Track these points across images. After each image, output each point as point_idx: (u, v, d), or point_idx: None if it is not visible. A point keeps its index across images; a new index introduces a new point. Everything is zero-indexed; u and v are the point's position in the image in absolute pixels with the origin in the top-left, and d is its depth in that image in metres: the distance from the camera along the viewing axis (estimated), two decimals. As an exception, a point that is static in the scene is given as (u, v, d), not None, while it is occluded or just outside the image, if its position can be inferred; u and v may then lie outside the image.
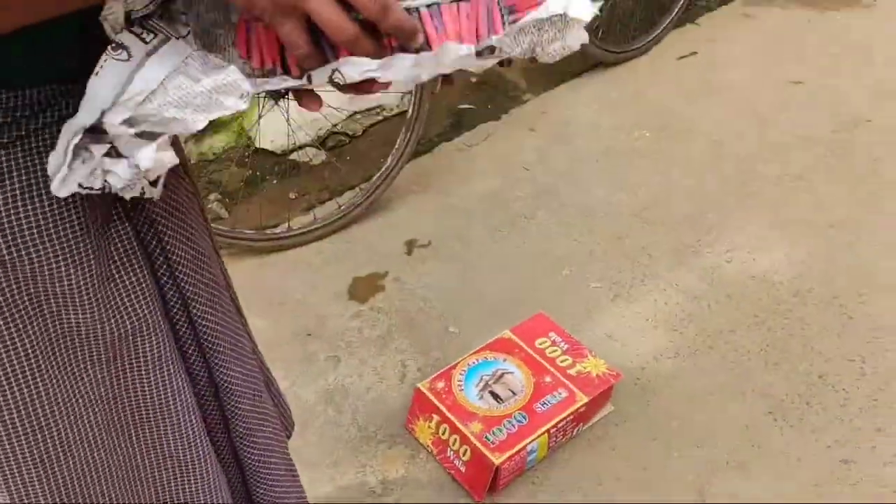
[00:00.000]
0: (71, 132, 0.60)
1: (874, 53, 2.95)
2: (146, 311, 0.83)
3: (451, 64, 0.69)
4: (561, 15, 0.70)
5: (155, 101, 0.62)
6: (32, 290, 0.74)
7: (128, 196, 0.66)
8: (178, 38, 0.65)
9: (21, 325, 0.75)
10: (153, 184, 0.69)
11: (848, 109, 2.68)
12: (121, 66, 0.63)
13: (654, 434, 1.78)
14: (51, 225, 0.72)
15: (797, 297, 2.08)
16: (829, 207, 2.33)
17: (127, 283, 0.81)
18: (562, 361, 1.80)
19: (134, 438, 0.89)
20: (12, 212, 0.70)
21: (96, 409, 0.85)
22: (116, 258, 0.80)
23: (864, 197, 2.37)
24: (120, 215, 0.79)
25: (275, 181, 2.44)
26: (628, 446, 1.76)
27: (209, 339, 0.92)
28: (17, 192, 0.69)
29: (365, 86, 0.68)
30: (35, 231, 0.72)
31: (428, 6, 0.68)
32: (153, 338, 0.85)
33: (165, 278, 0.86)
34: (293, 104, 2.31)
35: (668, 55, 2.96)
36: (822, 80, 2.82)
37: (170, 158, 0.65)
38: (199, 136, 2.47)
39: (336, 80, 0.67)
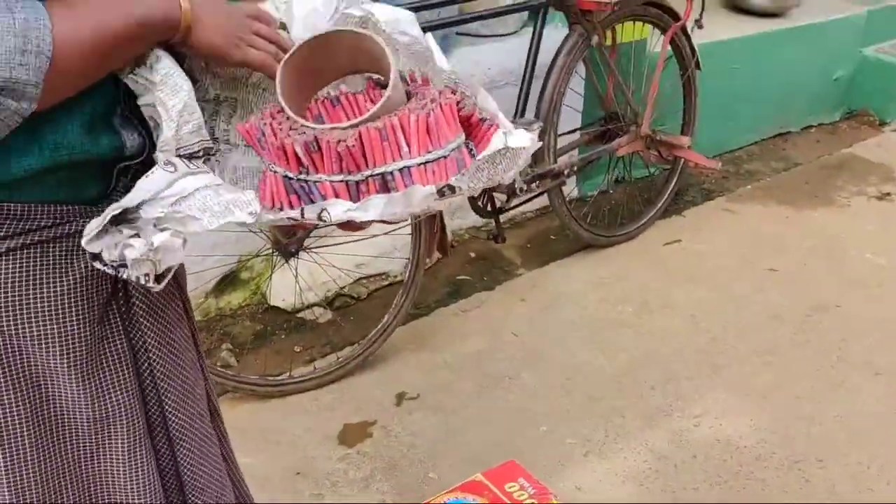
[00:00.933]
0: (112, 208, 0.83)
1: (847, 248, 3.19)
2: (125, 399, 1.01)
3: (419, 203, 0.86)
4: (506, 148, 0.88)
5: (184, 203, 0.84)
6: (28, 360, 0.92)
7: (133, 274, 0.85)
8: (210, 173, 0.90)
9: (13, 388, 0.92)
10: (158, 279, 0.90)
11: (818, 295, 2.89)
12: (166, 175, 0.86)
13: (614, 579, 1.87)
14: (56, 309, 0.93)
15: (759, 461, 2.20)
16: (795, 381, 2.49)
17: (112, 372, 0.99)
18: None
19: None
20: (28, 292, 0.90)
21: (71, 489, 1.00)
22: (106, 350, 0.99)
23: (828, 373, 2.53)
24: (114, 315, 0.99)
25: (283, 335, 2.66)
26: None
27: (179, 432, 1.08)
28: (35, 279, 0.91)
29: (348, 225, 0.89)
30: (42, 312, 0.92)
31: (400, 170, 0.88)
32: (128, 424, 1.01)
33: (145, 375, 1.04)
34: (302, 264, 2.56)
35: (654, 241, 3.22)
36: (797, 268, 3.05)
37: (178, 249, 0.85)
38: (220, 292, 2.72)
39: (323, 218, 0.86)
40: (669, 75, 3.15)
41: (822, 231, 3.31)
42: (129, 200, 0.84)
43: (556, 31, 2.90)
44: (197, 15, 0.92)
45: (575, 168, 3.01)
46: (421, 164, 0.88)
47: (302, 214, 0.88)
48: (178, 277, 1.08)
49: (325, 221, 0.87)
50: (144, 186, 0.85)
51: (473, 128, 0.98)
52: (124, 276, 0.84)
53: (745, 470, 2.17)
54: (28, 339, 0.92)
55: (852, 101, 4.28)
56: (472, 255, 3.08)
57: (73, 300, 0.94)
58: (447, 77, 0.99)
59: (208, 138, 0.94)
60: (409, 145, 0.88)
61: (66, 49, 0.81)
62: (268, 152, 0.93)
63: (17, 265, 0.90)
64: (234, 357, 2.54)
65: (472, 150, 0.96)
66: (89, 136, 0.89)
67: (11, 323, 0.90)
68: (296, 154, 0.89)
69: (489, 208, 2.81)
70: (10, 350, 0.91)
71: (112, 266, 0.84)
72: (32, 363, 0.93)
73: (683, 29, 3.08)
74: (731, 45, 3.67)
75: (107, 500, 1.03)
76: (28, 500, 0.96)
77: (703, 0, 2.97)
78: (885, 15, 4.25)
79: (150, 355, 1.03)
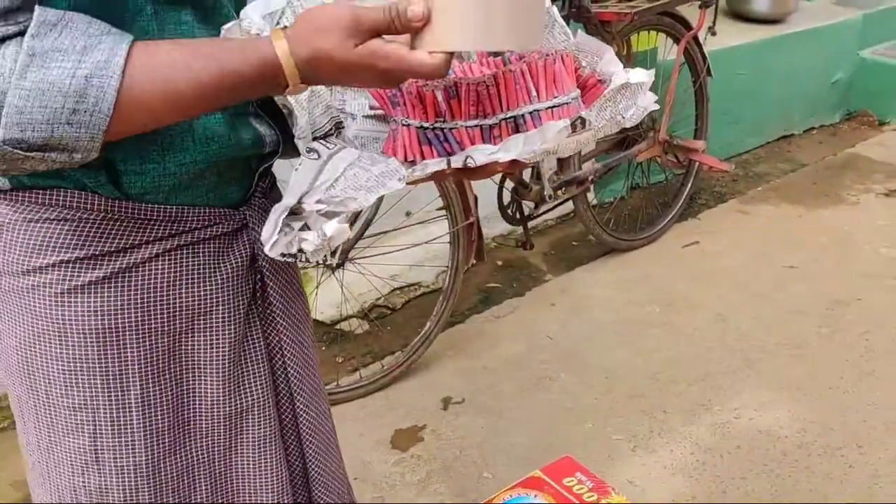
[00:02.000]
0: (279, 211, 0.88)
1: (860, 243, 3.29)
2: (261, 395, 1.06)
3: (553, 138, 0.90)
4: (626, 84, 0.95)
5: (338, 186, 0.89)
6: (175, 357, 0.99)
7: (314, 259, 0.90)
8: (348, 147, 0.94)
9: (159, 384, 0.98)
10: (332, 254, 0.96)
11: (838, 289, 2.97)
12: (313, 164, 0.90)
13: (676, 567, 1.93)
14: (206, 307, 0.99)
15: (801, 449, 2.27)
16: (826, 373, 2.57)
17: (251, 369, 1.05)
18: (588, 497, 1.98)
19: None
20: (180, 290, 0.97)
21: (204, 483, 1.05)
22: (247, 347, 1.05)
23: (857, 363, 2.60)
24: (254, 315, 1.05)
25: (324, 347, 2.71)
26: (652, 577, 1.91)
27: (308, 429, 1.12)
28: (187, 279, 0.97)
29: (490, 167, 0.92)
30: (193, 309, 0.98)
31: (530, 113, 0.94)
32: (263, 420, 1.07)
33: (279, 373, 1.09)
34: (347, 275, 2.59)
35: (673, 243, 3.30)
36: (814, 264, 3.13)
37: (346, 231, 0.88)
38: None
39: (468, 164, 0.90)
40: (682, 82, 3.24)
41: (835, 228, 3.40)
42: (291, 198, 0.89)
43: (573, 43, 2.99)
44: (306, 63, 0.82)
45: (598, 174, 3.08)
46: (548, 108, 0.94)
47: (448, 164, 0.91)
48: (299, 279, 1.14)
49: (470, 166, 0.91)
50: (299, 179, 0.89)
51: (588, 89, 1.02)
52: (302, 259, 0.89)
53: (790, 458, 2.24)
54: (178, 334, 0.98)
55: (851, 102, 4.40)
56: (500, 262, 3.15)
57: (220, 299, 0.99)
58: (569, 45, 1.05)
59: (336, 114, 0.98)
60: (537, 90, 0.94)
61: (135, 102, 0.78)
62: (401, 108, 0.96)
63: (171, 266, 0.96)
64: (278, 369, 2.59)
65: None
66: (233, 130, 0.95)
67: (166, 320, 0.97)
68: (435, 101, 0.94)
69: (518, 216, 2.88)
70: (160, 348, 0.97)
71: (290, 256, 0.88)
72: (179, 360, 0.99)
73: (695, 37, 3.18)
74: (736, 52, 3.78)
75: (238, 495, 1.08)
76: (165, 495, 1.01)
77: (716, 8, 3.07)
78: (881, 18, 4.38)
79: (285, 353, 1.08)
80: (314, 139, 0.94)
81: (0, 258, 0.93)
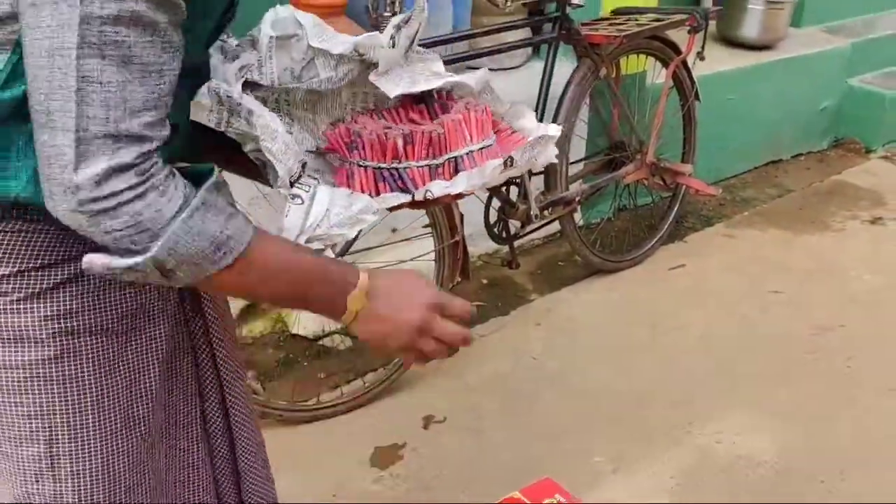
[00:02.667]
0: None
1: (845, 269, 3.30)
2: (188, 385, 1.14)
3: (490, 175, 1.11)
4: (544, 136, 1.18)
5: (323, 225, 1.00)
6: (126, 354, 1.03)
7: None
8: (320, 183, 1.05)
9: (113, 384, 1.02)
10: None
11: (822, 315, 2.98)
12: (299, 209, 1.02)
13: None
14: (149, 305, 1.05)
15: (782, 475, 2.27)
16: (809, 398, 2.56)
17: (181, 361, 1.13)
18: (567, 519, 1.97)
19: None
20: (129, 292, 1.02)
21: (146, 480, 1.09)
22: (177, 341, 1.11)
23: (839, 390, 2.61)
24: (181, 311, 1.12)
25: (306, 363, 2.70)
26: None
27: (239, 430, 1.20)
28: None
29: (443, 198, 1.10)
30: (140, 308, 1.03)
31: (466, 154, 1.14)
32: (190, 409, 1.15)
33: (208, 374, 1.16)
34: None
35: (659, 266, 3.31)
36: (799, 290, 3.14)
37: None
38: (241, 321, 2.75)
39: (427, 196, 1.08)
40: (670, 106, 3.25)
41: (820, 254, 3.41)
42: (289, 238, 1.02)
43: (559, 65, 2.98)
44: (365, 324, 0.99)
45: (585, 195, 3.09)
46: (479, 148, 1.15)
47: (412, 198, 1.10)
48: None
49: (429, 198, 1.10)
50: (291, 222, 1.01)
51: (500, 135, 1.23)
52: None
53: (770, 484, 2.23)
54: (125, 333, 1.03)
55: (839, 129, 4.43)
56: (485, 281, 3.14)
57: (156, 296, 1.05)
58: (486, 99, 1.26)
59: (300, 156, 1.08)
60: (470, 135, 1.14)
61: (253, 264, 0.92)
62: (359, 151, 1.11)
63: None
64: (260, 384, 2.57)
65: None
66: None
67: (116, 320, 1.02)
68: (395, 146, 1.10)
69: (504, 235, 2.88)
70: (111, 348, 1.02)
71: None
72: (126, 358, 1.04)
73: (684, 62, 3.20)
74: (725, 77, 3.80)
75: (172, 488, 1.15)
76: (118, 496, 1.05)
77: (705, 34, 3.09)
78: (869, 47, 4.42)
79: (211, 336, 1.14)
80: (291, 185, 1.05)
81: None
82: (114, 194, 0.83)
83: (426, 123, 1.16)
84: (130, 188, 0.84)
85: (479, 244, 3.13)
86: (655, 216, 3.46)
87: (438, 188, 1.09)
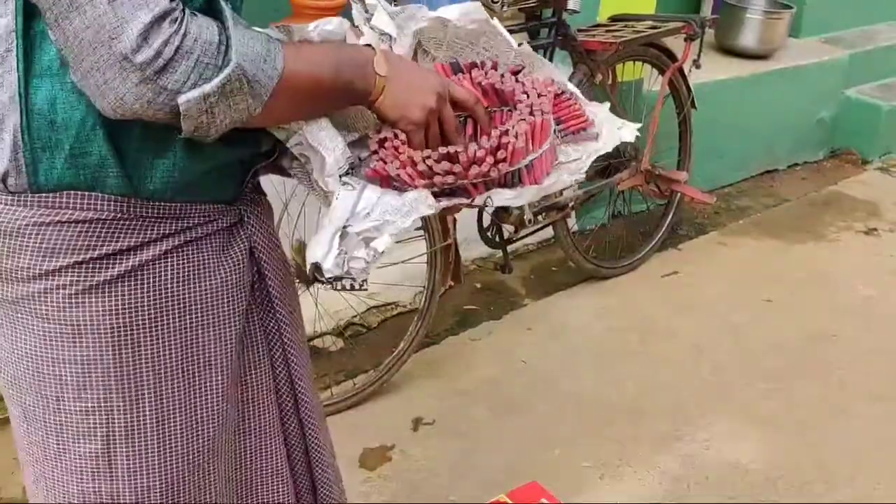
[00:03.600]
0: (331, 232, 0.98)
1: (838, 279, 3.30)
2: (263, 382, 1.11)
3: (552, 187, 1.11)
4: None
5: (375, 212, 0.98)
6: (186, 352, 1.00)
7: (360, 279, 1.00)
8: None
9: (172, 378, 1.00)
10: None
11: (814, 325, 2.98)
12: (349, 194, 1.00)
13: None
14: (213, 301, 1.02)
15: (769, 483, 2.27)
16: (798, 407, 2.57)
17: (252, 357, 1.09)
18: (552, 523, 1.97)
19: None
20: (188, 287, 0.99)
21: (210, 479, 1.06)
22: (250, 336, 1.09)
23: (829, 400, 2.61)
24: (255, 305, 1.09)
25: (296, 363, 2.70)
26: None
27: (307, 412, 1.17)
28: (194, 275, 1.00)
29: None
30: (200, 304, 1.01)
31: (526, 166, 1.07)
32: (264, 407, 1.11)
33: (279, 359, 1.13)
34: (323, 292, 2.59)
35: (652, 273, 3.31)
36: (791, 299, 3.14)
37: (390, 248, 1.00)
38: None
39: (487, 203, 1.07)
40: (666, 113, 3.26)
41: (814, 264, 3.42)
42: (338, 221, 0.99)
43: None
44: (390, 90, 1.01)
45: (579, 201, 3.09)
46: (536, 157, 1.09)
47: (472, 202, 1.06)
48: (290, 268, 1.19)
49: (488, 206, 1.07)
50: (341, 207, 0.99)
51: (559, 105, 1.16)
52: (339, 287, 0.98)
53: (757, 491, 2.23)
54: (188, 330, 1.00)
55: (836, 140, 4.44)
56: (478, 285, 3.15)
57: (225, 292, 1.03)
58: (515, 54, 1.18)
59: (351, 157, 1.07)
60: (533, 143, 1.08)
61: (288, 77, 0.92)
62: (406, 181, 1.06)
63: (179, 262, 0.99)
64: (250, 384, 2.57)
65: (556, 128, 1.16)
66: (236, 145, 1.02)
67: (177, 317, 0.99)
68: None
69: (498, 239, 2.89)
70: (171, 345, 0.99)
71: (330, 280, 0.98)
72: (189, 356, 1.01)
73: (680, 70, 3.20)
74: (722, 86, 3.80)
75: (242, 486, 1.13)
76: (175, 496, 1.02)
77: (701, 42, 3.10)
78: (867, 58, 4.42)
79: (284, 339, 1.12)
80: (340, 176, 1.04)
81: (10, 264, 0.94)
82: (165, 43, 0.83)
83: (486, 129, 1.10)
84: (175, 32, 0.83)
85: (473, 248, 3.13)
86: (650, 223, 3.47)
87: (500, 199, 1.06)
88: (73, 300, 0.94)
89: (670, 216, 3.45)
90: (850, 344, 2.89)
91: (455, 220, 2.49)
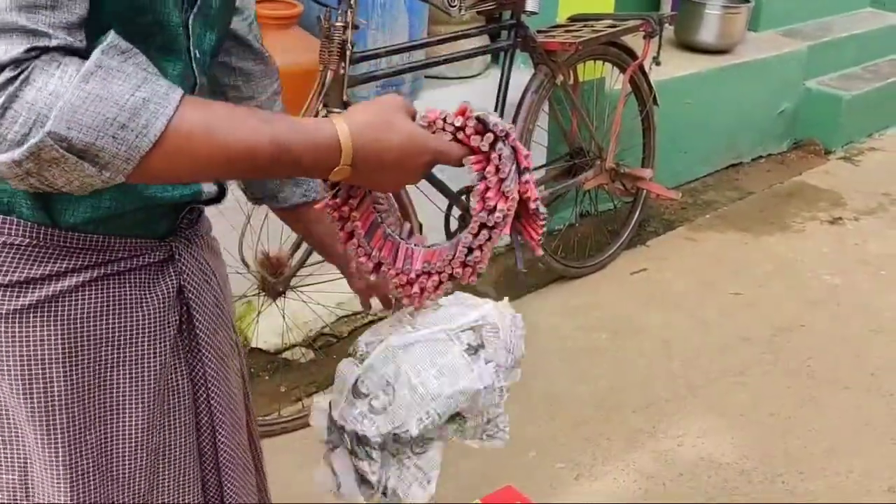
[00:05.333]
0: (350, 381, 1.12)
1: (804, 270, 3.33)
2: (183, 428, 1.04)
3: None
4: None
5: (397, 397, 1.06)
6: (101, 392, 0.96)
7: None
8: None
9: (86, 419, 0.95)
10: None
11: (782, 316, 3.00)
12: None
13: None
14: (133, 337, 0.97)
15: (743, 476, 2.28)
16: (769, 399, 2.58)
17: (174, 401, 1.03)
18: (527, 527, 1.96)
19: None
20: (108, 321, 0.94)
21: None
22: (171, 380, 1.02)
23: (799, 390, 2.63)
24: (181, 348, 1.03)
25: (267, 377, 2.67)
26: None
27: (228, 464, 1.10)
28: (114, 309, 0.95)
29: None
30: (120, 340, 0.96)
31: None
32: (184, 453, 1.05)
33: (203, 407, 1.07)
34: (292, 304, 2.55)
35: (621, 270, 3.32)
36: (759, 292, 3.17)
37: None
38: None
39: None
40: (628, 111, 3.27)
41: (780, 255, 3.45)
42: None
43: (517, 72, 2.99)
44: (358, 173, 0.90)
45: (546, 202, 3.10)
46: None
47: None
48: (227, 310, 1.12)
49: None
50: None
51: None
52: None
53: (731, 485, 2.24)
54: (103, 366, 0.95)
55: (798, 131, 4.48)
56: (450, 291, 3.13)
57: (146, 330, 0.98)
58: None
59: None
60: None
61: (181, 140, 0.78)
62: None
63: (97, 295, 0.94)
64: (219, 399, 2.55)
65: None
66: (173, 186, 0.96)
67: (92, 351, 0.94)
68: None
69: (465, 243, 2.88)
70: (85, 380, 0.94)
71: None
72: (104, 393, 0.96)
73: (641, 67, 3.22)
74: (683, 82, 3.83)
75: None
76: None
77: (660, 39, 3.11)
78: (826, 49, 4.48)
79: (210, 387, 1.06)
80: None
81: None
82: None
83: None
84: (9, 81, 0.72)
85: (441, 253, 3.12)
86: (617, 221, 3.48)
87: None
88: None
89: (637, 213, 3.46)
90: (819, 333, 2.91)
91: (421, 225, 2.48)
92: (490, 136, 0.96)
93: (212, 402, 1.07)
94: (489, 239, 1.01)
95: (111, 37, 0.78)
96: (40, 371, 0.91)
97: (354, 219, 1.01)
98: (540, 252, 1.03)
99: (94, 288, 0.93)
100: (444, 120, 0.97)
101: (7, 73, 0.73)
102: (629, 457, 2.35)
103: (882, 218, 3.77)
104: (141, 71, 0.78)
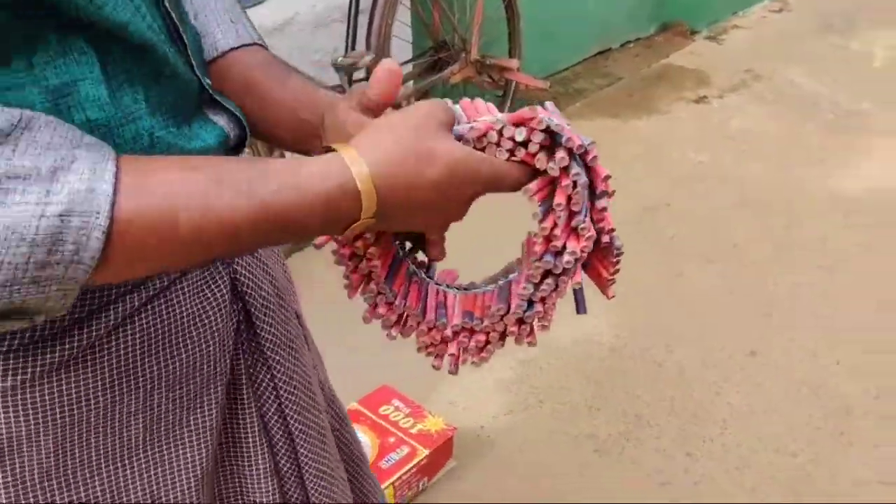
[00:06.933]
0: None
1: (670, 150, 3.40)
2: (254, 446, 0.86)
3: None
4: None
5: None
6: (156, 433, 0.75)
7: None
8: None
9: (131, 476, 0.75)
10: None
11: (650, 196, 3.07)
12: None
13: (493, 482, 1.97)
14: (198, 365, 0.76)
15: (615, 353, 2.35)
16: (637, 277, 2.65)
17: (239, 421, 0.84)
18: (404, 423, 1.98)
19: None
20: (166, 355, 0.74)
21: None
22: (236, 400, 0.83)
23: (666, 266, 2.71)
24: (239, 358, 0.83)
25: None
26: (470, 493, 1.93)
27: (311, 468, 0.91)
28: (173, 337, 0.74)
29: None
30: (181, 373, 0.75)
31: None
32: (258, 475, 0.86)
33: (275, 416, 0.87)
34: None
35: (495, 164, 3.31)
36: (627, 175, 3.21)
37: None
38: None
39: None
40: (492, 1, 3.21)
41: (647, 138, 3.50)
42: None
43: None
44: (390, 207, 0.65)
45: (412, 99, 3.03)
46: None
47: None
48: (290, 297, 0.92)
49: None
50: None
51: None
52: None
53: (606, 364, 2.31)
54: (156, 410, 0.76)
55: (664, 13, 4.51)
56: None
57: (206, 351, 0.78)
58: None
59: None
60: None
61: (130, 246, 0.56)
62: None
63: (145, 328, 0.73)
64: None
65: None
66: (191, 132, 0.75)
67: (141, 396, 0.74)
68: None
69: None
70: (132, 432, 0.74)
71: None
72: (156, 438, 0.77)
73: (500, -48, 3.14)
74: (547, -32, 3.77)
75: None
76: None
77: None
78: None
79: (281, 394, 0.87)
80: None
81: None
82: None
83: None
84: None
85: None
86: (489, 115, 3.45)
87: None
88: (9, 399, 0.67)
89: (507, 106, 3.43)
90: (683, 210, 2.99)
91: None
92: (563, 155, 0.71)
93: (285, 410, 0.87)
94: (555, 289, 0.78)
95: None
96: (75, 436, 0.70)
97: (371, 257, 0.75)
98: (612, 295, 0.81)
99: (139, 319, 0.71)
100: (500, 132, 0.70)
101: None
102: (506, 346, 2.37)
103: (745, 94, 3.86)
104: (43, 157, 0.53)
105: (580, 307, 0.81)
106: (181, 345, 0.74)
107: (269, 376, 0.85)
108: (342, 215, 0.63)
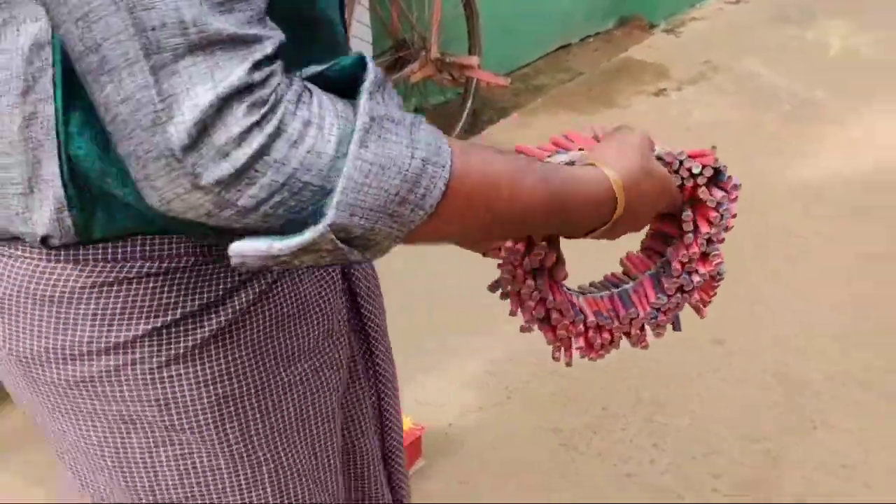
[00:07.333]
0: None
1: (633, 144, 3.42)
2: (366, 413, 0.93)
3: None
4: None
5: None
6: (303, 408, 0.80)
7: None
8: None
9: (294, 449, 0.81)
10: None
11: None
12: None
13: (463, 478, 1.97)
14: (324, 336, 0.81)
15: (580, 347, 2.35)
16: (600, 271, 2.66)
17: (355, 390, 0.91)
18: (372, 424, 1.97)
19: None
20: (298, 329, 0.78)
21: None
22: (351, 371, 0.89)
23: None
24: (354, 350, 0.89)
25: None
26: (439, 492, 1.93)
27: (391, 427, 0.99)
28: (303, 312, 0.78)
29: None
30: (311, 345, 0.80)
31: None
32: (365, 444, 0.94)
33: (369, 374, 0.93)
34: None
35: (458, 162, 3.31)
36: (591, 169, 3.24)
37: None
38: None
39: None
40: (450, -1, 3.21)
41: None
42: None
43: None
44: (623, 215, 0.74)
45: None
46: None
47: None
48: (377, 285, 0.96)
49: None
50: None
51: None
52: None
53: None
54: (296, 383, 0.80)
55: (623, 7, 4.54)
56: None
57: (327, 322, 0.82)
58: None
59: None
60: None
61: (458, 203, 0.61)
62: None
63: (277, 302, 0.77)
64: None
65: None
66: None
67: (284, 368, 0.78)
68: None
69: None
70: (285, 407, 0.79)
71: None
72: (304, 412, 0.81)
73: (457, -50, 3.15)
74: (505, -36, 3.78)
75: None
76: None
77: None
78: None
79: (378, 364, 0.94)
80: None
81: (65, 340, 0.71)
82: (235, 141, 0.53)
83: None
84: (256, 125, 0.53)
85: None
86: (451, 113, 3.45)
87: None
88: (158, 375, 0.72)
89: (469, 103, 3.44)
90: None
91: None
92: (723, 194, 0.84)
93: (380, 380, 0.94)
94: (677, 305, 0.90)
95: (371, 69, 0.59)
96: (234, 412, 0.75)
97: (538, 253, 0.82)
98: (705, 316, 0.92)
99: (271, 295, 0.75)
100: (681, 163, 0.84)
101: (242, 110, 0.53)
102: (476, 343, 2.38)
103: (703, 86, 3.89)
104: (401, 111, 0.60)
105: (676, 325, 0.92)
106: (307, 321, 0.79)
107: (371, 363, 0.91)
108: (599, 216, 0.73)
